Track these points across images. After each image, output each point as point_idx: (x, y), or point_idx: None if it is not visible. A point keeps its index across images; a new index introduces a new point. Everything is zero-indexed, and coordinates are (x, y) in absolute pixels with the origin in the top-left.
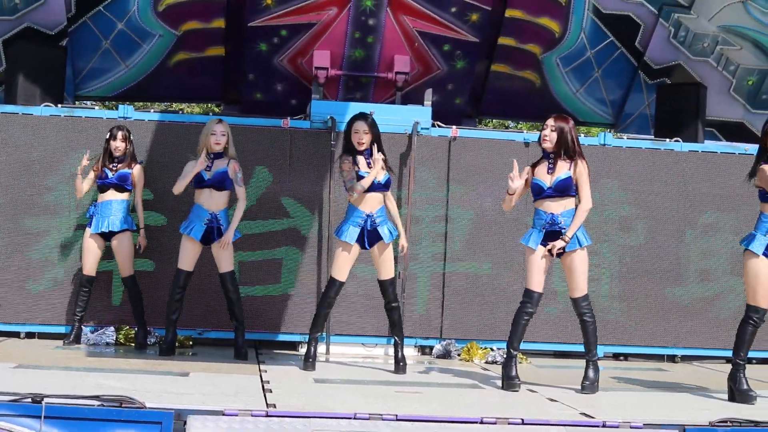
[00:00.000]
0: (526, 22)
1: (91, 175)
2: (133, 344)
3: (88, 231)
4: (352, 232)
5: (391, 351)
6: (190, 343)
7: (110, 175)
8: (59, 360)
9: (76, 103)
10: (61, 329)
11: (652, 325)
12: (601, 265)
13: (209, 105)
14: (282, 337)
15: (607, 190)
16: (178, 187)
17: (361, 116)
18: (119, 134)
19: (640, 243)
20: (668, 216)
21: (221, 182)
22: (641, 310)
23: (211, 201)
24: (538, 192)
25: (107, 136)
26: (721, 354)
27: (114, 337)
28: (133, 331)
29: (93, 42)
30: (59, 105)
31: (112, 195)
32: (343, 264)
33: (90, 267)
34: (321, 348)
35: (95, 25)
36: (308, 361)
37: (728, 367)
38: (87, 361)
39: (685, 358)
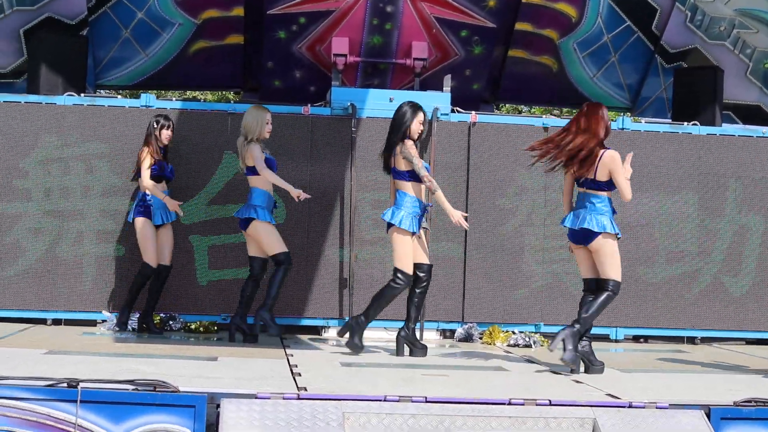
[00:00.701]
0: (543, 8)
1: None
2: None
3: (146, 221)
4: (414, 222)
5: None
6: (215, 328)
7: (166, 166)
8: (88, 346)
9: (97, 92)
10: (87, 316)
11: (671, 308)
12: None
13: (224, 93)
14: (305, 322)
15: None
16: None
17: (420, 107)
18: (168, 123)
19: (655, 224)
20: (688, 197)
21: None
22: (661, 293)
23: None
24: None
25: (156, 125)
26: (740, 335)
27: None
28: (159, 317)
29: (113, 31)
30: (82, 94)
31: (164, 186)
32: (410, 254)
33: (155, 256)
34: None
35: (115, 15)
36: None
37: (747, 348)
38: (115, 347)
39: (705, 340)
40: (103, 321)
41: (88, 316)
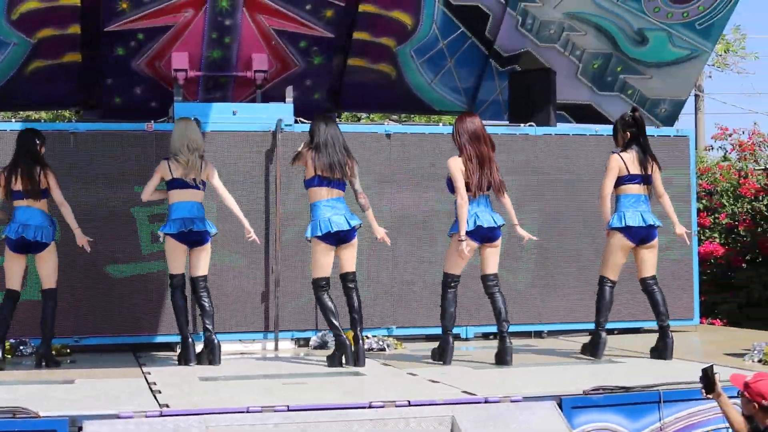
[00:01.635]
0: (379, 16)
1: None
2: (9, 356)
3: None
4: None
5: (269, 346)
6: (68, 350)
7: None
8: None
9: None
10: None
11: (518, 304)
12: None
13: (60, 111)
14: (159, 339)
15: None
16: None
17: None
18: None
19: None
20: (532, 198)
21: None
22: (507, 290)
23: None
24: None
25: (39, 141)
26: (584, 327)
27: None
28: (9, 343)
29: None
30: None
31: None
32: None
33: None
34: (198, 347)
35: None
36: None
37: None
38: None
39: (551, 333)
40: None
41: None
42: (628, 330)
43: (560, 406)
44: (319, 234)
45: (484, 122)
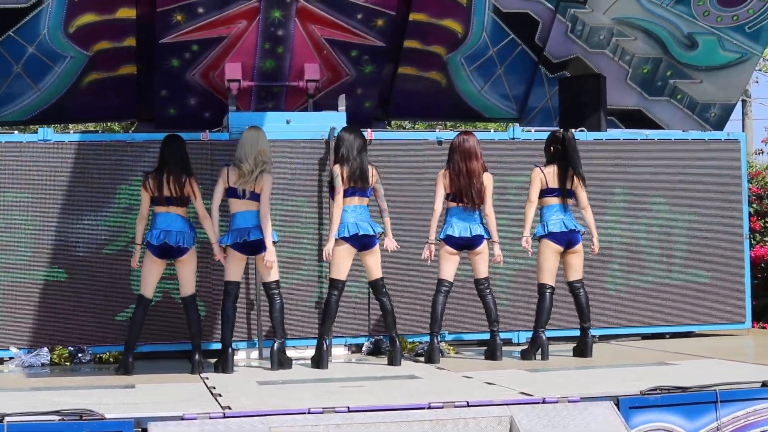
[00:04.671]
0: (430, 25)
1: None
2: (67, 363)
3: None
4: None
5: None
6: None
7: None
8: (2, 382)
9: None
10: None
11: (566, 309)
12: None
13: (108, 124)
14: (214, 346)
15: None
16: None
17: None
18: None
19: None
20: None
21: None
22: (559, 294)
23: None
24: None
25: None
26: (635, 331)
27: (48, 358)
28: (67, 351)
29: (4, 67)
30: None
31: None
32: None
33: None
34: (253, 353)
35: (5, 50)
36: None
37: (644, 342)
38: (31, 382)
39: (602, 338)
40: (11, 358)
41: None
42: (679, 334)
43: (618, 406)
44: (346, 235)
45: (537, 128)
